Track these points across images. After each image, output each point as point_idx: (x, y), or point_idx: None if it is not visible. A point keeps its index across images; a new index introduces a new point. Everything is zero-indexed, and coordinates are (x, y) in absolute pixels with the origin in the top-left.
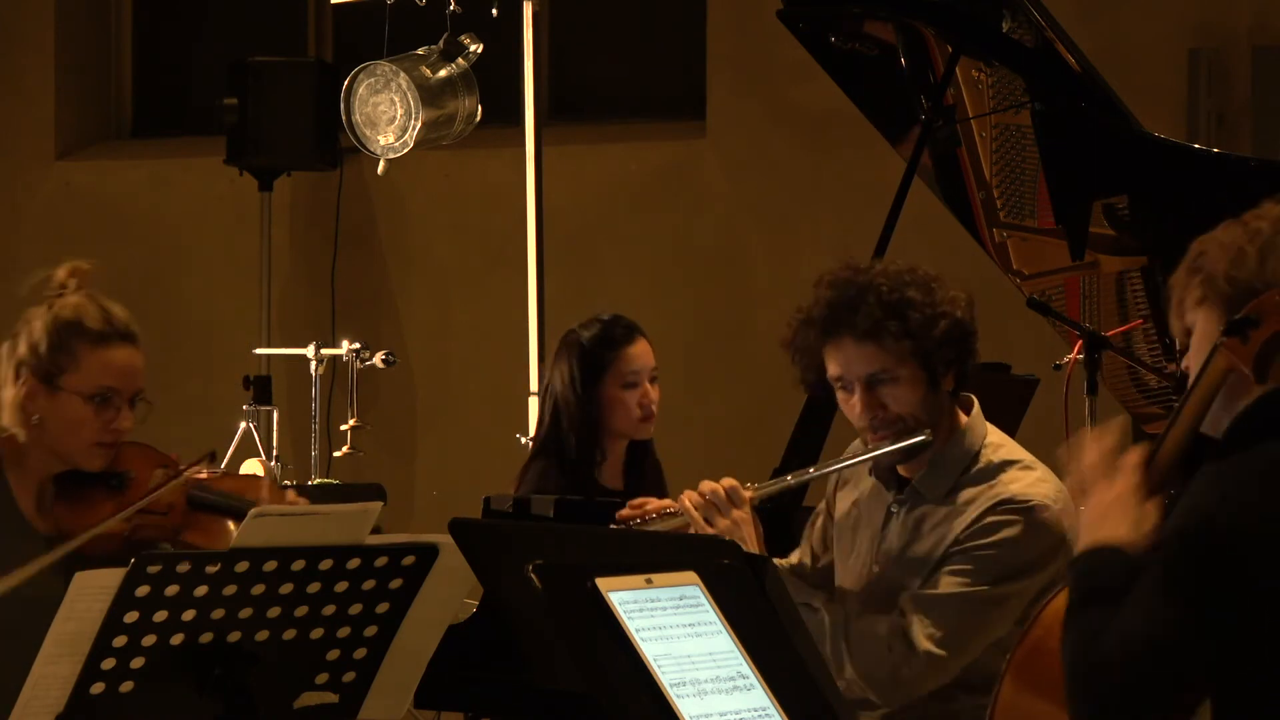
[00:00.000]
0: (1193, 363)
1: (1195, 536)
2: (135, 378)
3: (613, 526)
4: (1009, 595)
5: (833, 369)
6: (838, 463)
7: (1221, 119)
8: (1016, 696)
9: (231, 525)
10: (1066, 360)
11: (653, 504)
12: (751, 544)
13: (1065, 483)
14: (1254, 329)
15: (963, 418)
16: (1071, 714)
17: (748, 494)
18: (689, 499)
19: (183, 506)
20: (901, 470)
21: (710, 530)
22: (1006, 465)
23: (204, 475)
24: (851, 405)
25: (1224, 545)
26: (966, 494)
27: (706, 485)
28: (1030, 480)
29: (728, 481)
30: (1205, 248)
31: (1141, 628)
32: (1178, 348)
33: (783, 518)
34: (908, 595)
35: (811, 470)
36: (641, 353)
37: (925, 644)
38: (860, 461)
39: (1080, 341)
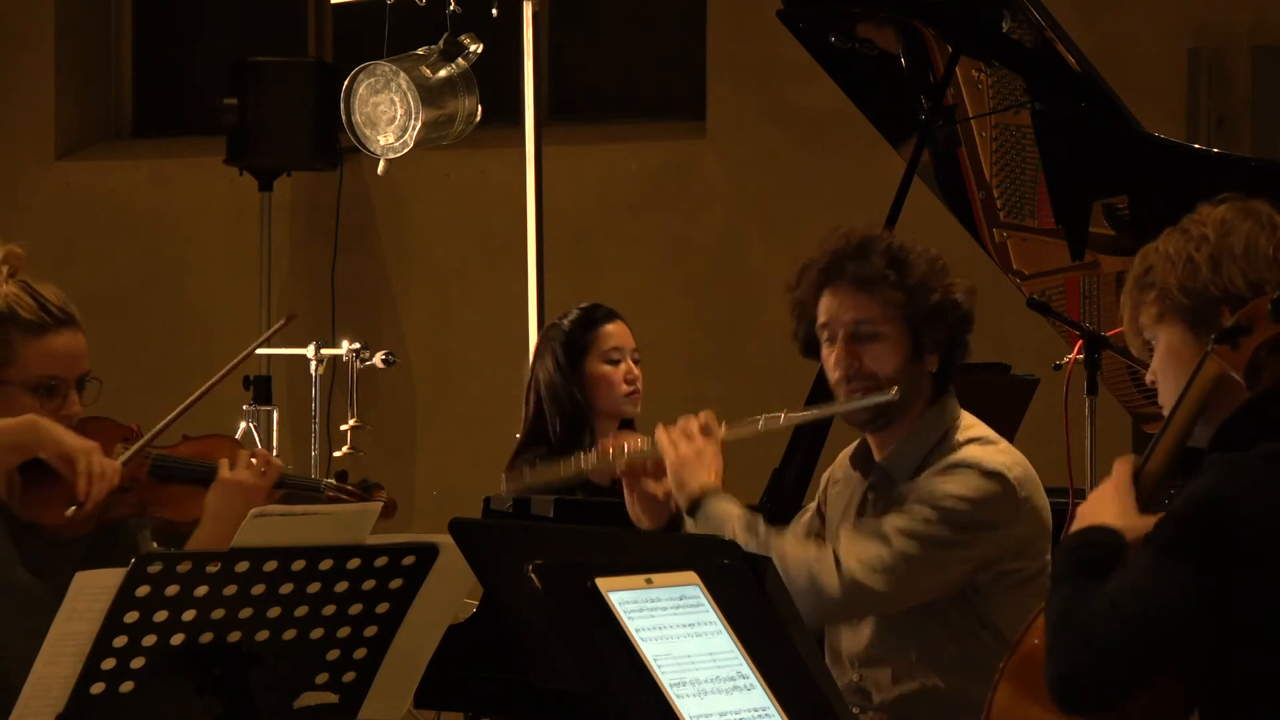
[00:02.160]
0: (1161, 378)
1: (1193, 514)
2: (78, 362)
3: (593, 454)
4: (952, 542)
5: (821, 316)
6: (807, 410)
7: (1221, 119)
8: (1012, 704)
9: (199, 490)
10: (1066, 360)
11: (634, 439)
12: (710, 474)
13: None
14: (1245, 336)
15: (940, 403)
16: (1048, 672)
17: (721, 431)
18: (662, 429)
19: (146, 479)
20: (875, 452)
21: (673, 456)
22: (970, 441)
23: (164, 446)
24: (832, 358)
25: (1222, 524)
26: (930, 471)
27: (683, 418)
28: (989, 451)
29: (705, 414)
30: (1151, 261)
31: (1130, 589)
32: (1139, 358)
33: (783, 517)
34: (846, 525)
35: (782, 416)
36: (620, 331)
37: (851, 563)
38: (827, 413)
39: (1080, 341)
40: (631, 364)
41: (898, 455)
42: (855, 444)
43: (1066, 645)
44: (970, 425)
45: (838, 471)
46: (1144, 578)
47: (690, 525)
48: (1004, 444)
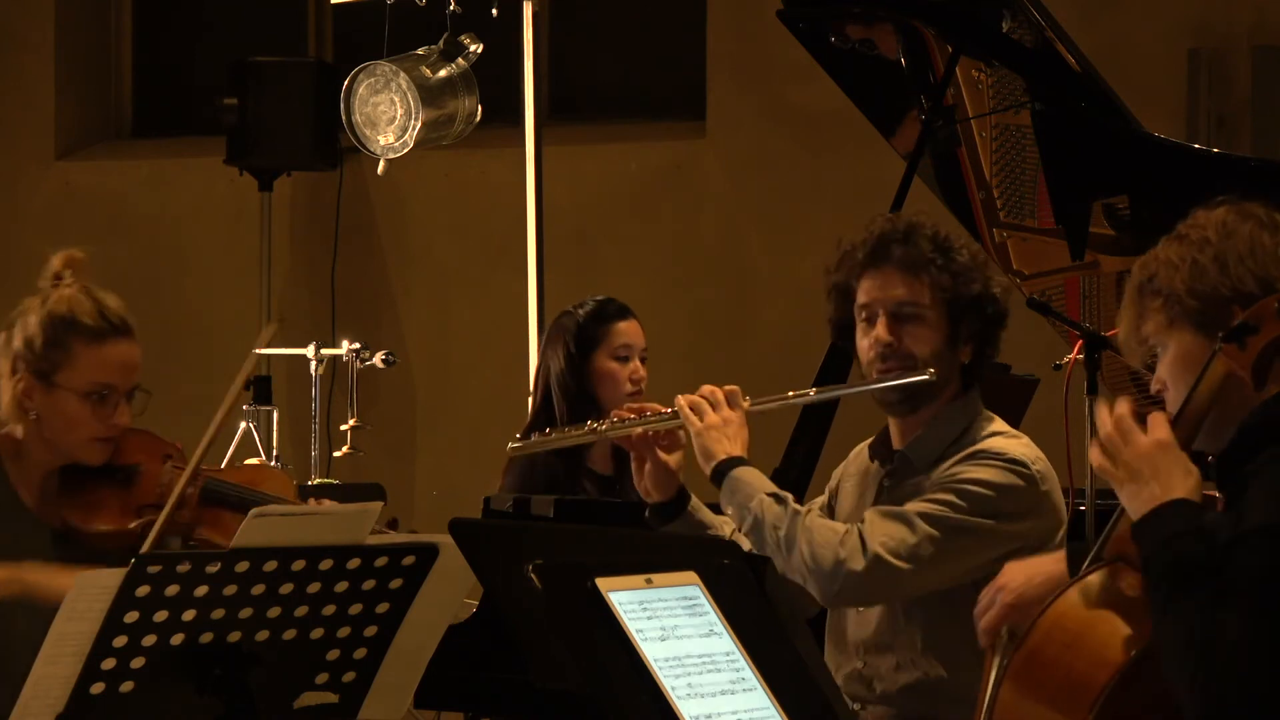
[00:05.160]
0: (1171, 385)
1: None
2: (131, 373)
3: (608, 421)
4: (974, 529)
5: (862, 298)
6: (838, 389)
7: (1221, 119)
8: (1017, 702)
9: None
10: (1066, 360)
11: (652, 406)
12: (735, 444)
13: (1089, 452)
14: (1252, 335)
15: (966, 397)
16: (1195, 706)
17: (746, 404)
18: (684, 398)
19: (195, 501)
20: (896, 439)
21: (698, 425)
22: (992, 435)
23: (214, 470)
24: (869, 337)
25: None
26: (949, 462)
27: (706, 387)
28: (1012, 443)
29: (729, 387)
30: (1153, 270)
31: (1262, 636)
32: (1142, 368)
33: None
34: (872, 508)
35: (811, 392)
36: (633, 330)
37: (877, 547)
38: (861, 390)
39: (1080, 341)
40: (639, 364)
41: (920, 444)
42: (870, 440)
43: (1213, 704)
44: (991, 419)
45: (850, 467)
46: (1271, 629)
47: (700, 514)
48: (1026, 439)
